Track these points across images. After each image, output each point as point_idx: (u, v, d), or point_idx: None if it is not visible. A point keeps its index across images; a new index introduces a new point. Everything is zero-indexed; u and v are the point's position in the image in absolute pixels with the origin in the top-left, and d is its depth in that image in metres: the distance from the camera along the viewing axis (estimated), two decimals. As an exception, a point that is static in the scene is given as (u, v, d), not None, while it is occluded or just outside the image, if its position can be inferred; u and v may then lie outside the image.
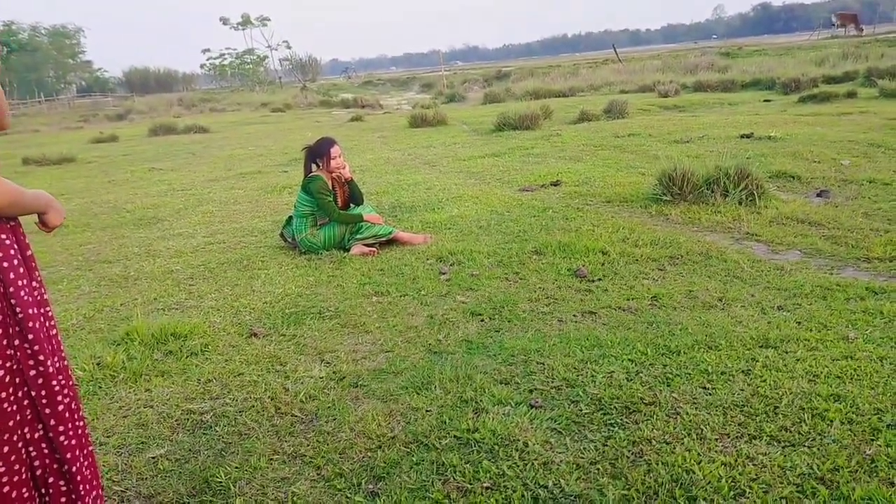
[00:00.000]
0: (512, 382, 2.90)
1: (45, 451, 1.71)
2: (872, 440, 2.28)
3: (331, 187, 5.21)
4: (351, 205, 5.42)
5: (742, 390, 2.66)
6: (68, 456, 1.73)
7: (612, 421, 2.53)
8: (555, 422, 2.55)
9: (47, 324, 1.74)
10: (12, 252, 1.64)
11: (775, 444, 2.31)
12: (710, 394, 2.66)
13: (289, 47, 67.53)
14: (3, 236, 1.63)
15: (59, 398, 1.71)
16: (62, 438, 1.72)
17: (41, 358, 1.66)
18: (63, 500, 1.74)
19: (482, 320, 3.67)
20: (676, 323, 3.43)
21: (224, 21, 61.87)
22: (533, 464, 2.29)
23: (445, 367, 3.05)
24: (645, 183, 6.66)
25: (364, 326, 3.68)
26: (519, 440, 2.42)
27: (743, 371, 2.82)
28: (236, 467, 2.42)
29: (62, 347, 1.81)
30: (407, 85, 48.98)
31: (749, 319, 3.42)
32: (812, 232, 4.98)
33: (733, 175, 5.81)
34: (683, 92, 19.81)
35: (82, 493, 1.76)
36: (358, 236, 5.13)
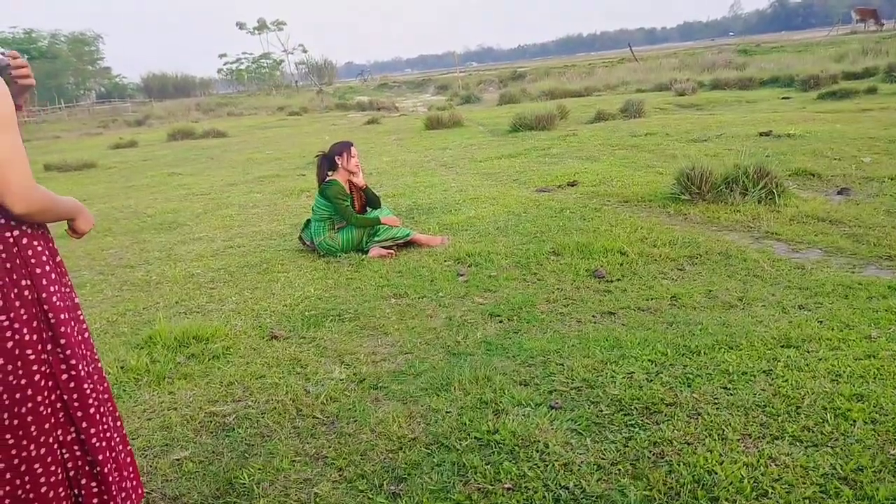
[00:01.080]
0: (531, 384, 2.91)
1: (78, 452, 1.75)
2: (897, 440, 2.26)
3: (348, 191, 5.24)
4: (368, 208, 5.46)
5: (763, 390, 2.65)
6: (99, 457, 1.77)
7: (633, 422, 2.53)
8: (575, 423, 2.55)
9: (78, 327, 1.78)
10: (44, 258, 1.68)
11: (798, 444, 2.30)
12: (731, 394, 2.65)
13: (304, 51, 67.91)
14: (36, 243, 1.67)
15: (90, 401, 1.75)
16: (94, 441, 1.76)
17: (73, 362, 1.71)
18: (95, 500, 1.78)
19: (501, 321, 3.68)
20: (696, 323, 3.42)
21: (240, 26, 62.42)
22: (554, 465, 2.30)
23: (465, 369, 3.06)
24: (663, 182, 6.63)
25: (383, 328, 3.70)
26: (539, 441, 2.42)
27: (764, 371, 2.81)
28: (259, 469, 2.45)
29: (95, 350, 1.85)
30: (422, 87, 49.06)
31: (770, 319, 3.40)
32: (833, 230, 4.93)
33: (752, 173, 5.77)
34: (701, 90, 19.68)
35: (114, 492, 1.81)
36: (376, 239, 5.16)
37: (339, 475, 2.38)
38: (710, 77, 22.33)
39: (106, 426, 1.82)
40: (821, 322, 3.29)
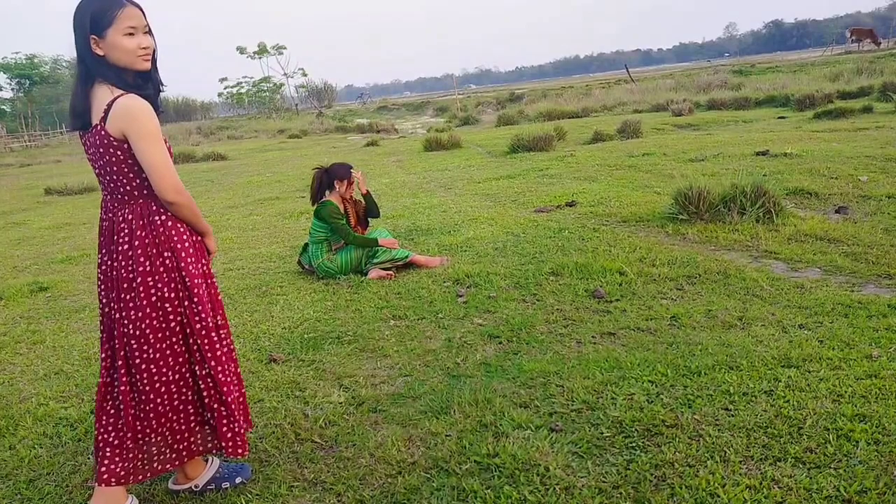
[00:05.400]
0: (531, 406, 2.89)
1: (210, 383, 2.28)
2: (900, 461, 2.24)
3: (343, 210, 5.25)
4: (369, 220, 5.51)
5: (765, 411, 2.63)
6: (224, 389, 2.28)
7: (634, 444, 2.51)
8: (576, 445, 2.53)
9: (214, 291, 2.36)
10: (185, 237, 2.26)
11: (800, 465, 2.28)
12: (732, 415, 2.63)
13: (304, 74, 67.94)
14: (180, 226, 2.25)
15: (217, 346, 2.29)
16: (220, 376, 2.28)
17: (203, 315, 2.25)
18: (224, 420, 2.30)
19: (500, 343, 3.67)
20: (696, 343, 3.41)
21: (241, 50, 62.75)
22: (554, 489, 2.27)
23: (464, 391, 3.05)
24: (660, 202, 6.65)
25: (382, 350, 3.69)
26: (540, 465, 2.40)
27: (765, 391, 2.79)
28: (257, 495, 2.43)
29: (224, 310, 2.41)
30: (421, 109, 49.37)
31: (770, 339, 3.39)
32: (831, 249, 4.93)
33: (750, 193, 5.78)
34: (697, 110, 19.79)
35: (236, 416, 2.32)
36: (375, 260, 5.16)
37: (338, 500, 2.36)
38: (706, 97, 22.44)
39: (230, 367, 2.35)
40: (821, 341, 3.28)
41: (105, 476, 2.21)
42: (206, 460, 2.52)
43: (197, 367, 2.26)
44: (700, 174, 7.27)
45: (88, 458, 2.76)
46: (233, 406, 2.29)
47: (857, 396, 2.68)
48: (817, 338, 3.34)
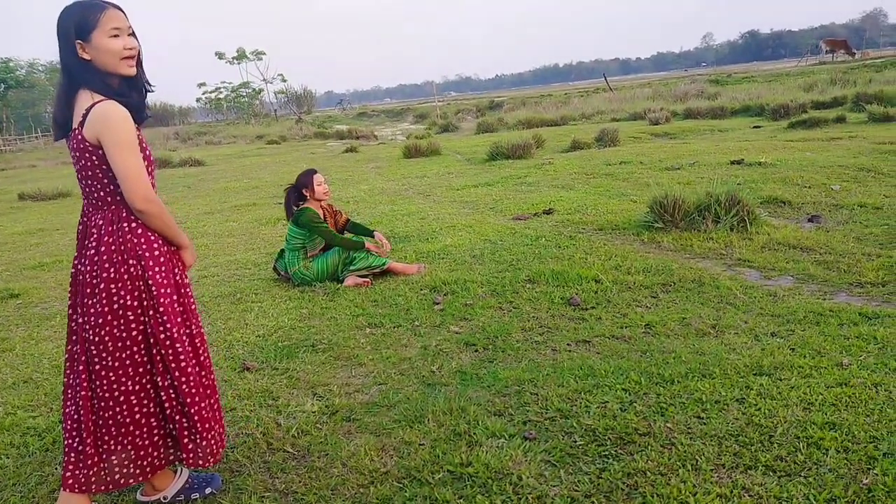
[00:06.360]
0: (506, 414, 2.88)
1: (172, 395, 2.24)
2: (869, 469, 2.26)
3: (322, 217, 5.22)
4: (347, 233, 5.46)
5: (737, 419, 2.65)
6: (188, 400, 2.24)
7: (607, 452, 2.51)
8: (549, 454, 2.53)
9: (186, 301, 2.31)
10: (155, 246, 2.22)
11: (771, 474, 2.29)
12: (704, 423, 2.65)
13: (284, 80, 67.73)
14: (150, 234, 2.21)
15: (183, 357, 2.23)
16: (183, 387, 2.23)
17: (168, 325, 2.20)
18: (186, 433, 2.26)
19: (476, 350, 3.66)
20: (670, 351, 3.42)
21: (220, 55, 62.32)
22: (527, 498, 2.27)
23: (439, 400, 3.03)
24: (636, 210, 6.70)
25: (357, 359, 3.66)
26: (513, 474, 2.39)
27: (737, 400, 2.81)
28: (227, 506, 2.39)
29: (199, 319, 2.38)
30: (401, 116, 49.39)
31: (742, 346, 3.42)
32: (804, 257, 4.99)
33: (724, 201, 5.84)
34: (674, 119, 20.00)
35: (200, 430, 2.26)
36: (351, 268, 5.13)
37: (309, 511, 2.32)
38: (683, 106, 22.70)
39: (198, 377, 2.28)
40: (793, 349, 3.32)
41: (70, 481, 2.20)
42: (175, 471, 2.48)
43: (159, 378, 2.22)
44: (676, 183, 7.35)
45: (56, 469, 2.70)
46: (196, 418, 2.25)
47: (827, 404, 2.71)
48: (789, 346, 3.37)
